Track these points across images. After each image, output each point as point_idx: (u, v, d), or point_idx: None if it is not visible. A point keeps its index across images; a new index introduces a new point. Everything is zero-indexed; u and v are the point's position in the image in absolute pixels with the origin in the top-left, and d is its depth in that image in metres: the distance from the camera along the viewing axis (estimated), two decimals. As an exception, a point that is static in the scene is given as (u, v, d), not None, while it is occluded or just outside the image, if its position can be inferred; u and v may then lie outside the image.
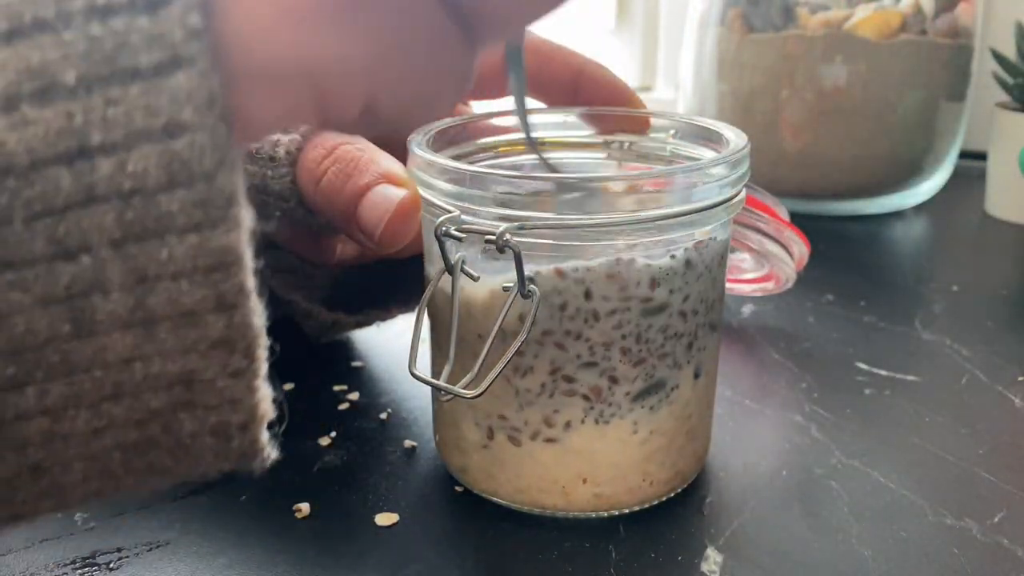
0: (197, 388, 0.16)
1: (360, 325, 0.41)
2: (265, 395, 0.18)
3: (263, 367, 0.17)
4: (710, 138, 0.32)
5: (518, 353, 0.27)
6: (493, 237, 0.26)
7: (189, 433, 0.17)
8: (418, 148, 0.30)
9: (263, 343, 0.17)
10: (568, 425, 0.29)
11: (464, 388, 0.27)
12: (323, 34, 0.16)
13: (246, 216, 0.15)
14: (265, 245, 0.22)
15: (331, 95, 0.17)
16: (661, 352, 0.29)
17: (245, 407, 0.17)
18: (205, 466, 0.18)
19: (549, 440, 0.29)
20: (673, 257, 0.28)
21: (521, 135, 0.35)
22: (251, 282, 0.16)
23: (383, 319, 0.41)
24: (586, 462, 0.30)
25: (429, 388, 0.30)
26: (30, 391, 0.15)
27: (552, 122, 0.35)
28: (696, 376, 0.31)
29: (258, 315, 0.16)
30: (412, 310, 0.41)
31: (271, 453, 0.19)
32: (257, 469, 0.19)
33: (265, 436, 0.18)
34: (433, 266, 0.30)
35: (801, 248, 0.43)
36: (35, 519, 0.18)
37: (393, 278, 0.41)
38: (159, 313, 0.15)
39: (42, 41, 0.14)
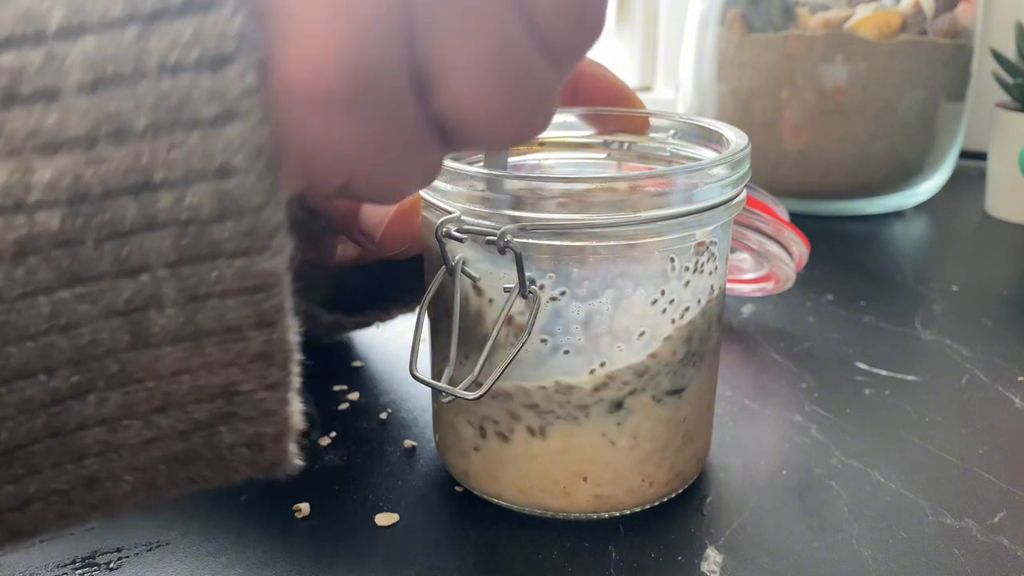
0: (237, 400, 0.18)
1: (360, 326, 0.41)
2: (296, 408, 0.19)
3: (296, 380, 0.19)
4: (710, 138, 0.32)
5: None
6: (494, 238, 0.26)
7: (228, 445, 0.19)
8: (418, 148, 0.29)
9: (296, 358, 0.19)
10: (542, 431, 0.29)
11: (465, 390, 0.27)
12: (329, 121, 0.18)
13: (288, 243, 0.17)
14: None
15: (318, 172, 0.19)
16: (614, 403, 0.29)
17: (279, 419, 0.19)
18: (238, 475, 0.20)
19: (531, 432, 0.29)
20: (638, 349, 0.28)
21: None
22: (289, 302, 0.18)
23: (383, 320, 0.41)
24: (576, 460, 0.29)
25: (429, 388, 0.30)
26: (91, 399, 0.17)
27: (552, 122, 0.35)
28: (678, 393, 0.30)
29: (294, 332, 0.18)
30: (412, 311, 0.41)
31: (297, 462, 0.21)
32: (282, 476, 0.21)
33: (294, 447, 0.20)
34: (434, 267, 0.30)
35: (801, 248, 0.43)
36: (81, 526, 0.20)
37: (393, 278, 0.41)
38: (207, 328, 0.17)
39: (120, 92, 0.16)
